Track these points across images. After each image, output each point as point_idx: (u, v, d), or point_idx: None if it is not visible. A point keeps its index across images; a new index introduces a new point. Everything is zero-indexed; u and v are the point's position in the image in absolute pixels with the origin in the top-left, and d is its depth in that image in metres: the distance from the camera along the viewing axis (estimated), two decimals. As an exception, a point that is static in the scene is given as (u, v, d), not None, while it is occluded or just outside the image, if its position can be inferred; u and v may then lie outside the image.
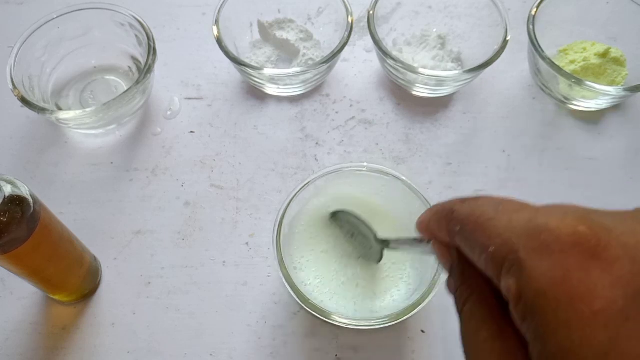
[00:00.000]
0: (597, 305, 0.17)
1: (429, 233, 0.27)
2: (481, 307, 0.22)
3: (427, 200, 0.45)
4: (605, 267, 0.18)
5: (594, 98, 0.56)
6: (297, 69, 0.55)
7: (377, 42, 0.55)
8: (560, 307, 0.18)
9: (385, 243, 0.42)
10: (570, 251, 0.18)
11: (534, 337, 0.19)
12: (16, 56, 0.53)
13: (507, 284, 0.20)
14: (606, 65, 0.57)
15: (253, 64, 0.58)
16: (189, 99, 0.61)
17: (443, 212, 0.25)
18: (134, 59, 0.60)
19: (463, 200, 0.24)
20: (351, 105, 0.60)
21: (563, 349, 0.17)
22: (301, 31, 0.62)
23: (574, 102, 0.58)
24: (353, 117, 0.59)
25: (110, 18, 0.57)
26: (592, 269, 0.18)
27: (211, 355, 0.47)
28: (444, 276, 0.42)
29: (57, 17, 0.56)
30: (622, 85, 0.57)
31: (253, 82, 0.59)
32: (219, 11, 0.57)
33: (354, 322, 0.41)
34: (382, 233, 0.44)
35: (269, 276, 0.50)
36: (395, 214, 0.48)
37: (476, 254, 0.22)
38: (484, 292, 0.23)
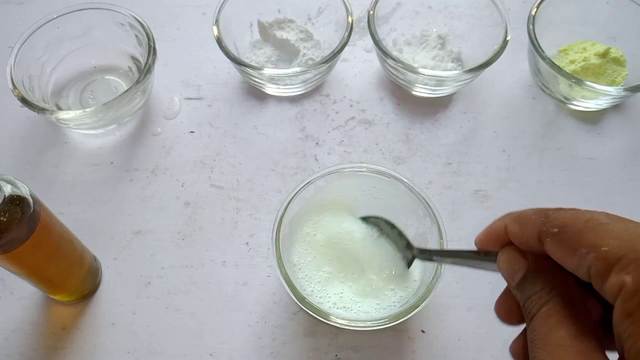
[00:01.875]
0: None
1: (501, 240, 0.26)
2: (561, 309, 0.22)
3: (426, 201, 0.45)
4: None
5: (594, 98, 0.56)
6: (297, 69, 0.55)
7: (377, 42, 0.55)
8: None
9: (425, 253, 0.40)
10: None
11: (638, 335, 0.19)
12: (16, 56, 0.53)
13: (620, 280, 0.20)
14: (606, 65, 0.57)
15: (253, 64, 0.58)
16: (189, 99, 0.61)
17: (531, 216, 0.25)
18: (134, 59, 0.60)
19: (556, 209, 0.24)
20: (351, 105, 0.60)
21: None
22: (301, 31, 0.62)
23: (574, 102, 0.58)
24: (353, 117, 0.59)
25: (110, 18, 0.57)
26: None
27: (211, 355, 0.47)
28: (444, 276, 0.42)
29: (57, 17, 0.56)
30: (622, 85, 0.57)
31: (253, 82, 0.59)
32: (219, 11, 0.57)
33: (352, 323, 0.41)
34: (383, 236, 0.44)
35: (269, 276, 0.50)
36: (396, 214, 0.48)
37: (578, 255, 0.22)
38: (565, 295, 0.23)
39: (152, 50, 0.55)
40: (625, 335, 0.19)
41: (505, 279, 0.26)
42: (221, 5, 0.57)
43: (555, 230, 0.23)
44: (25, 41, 0.54)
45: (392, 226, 0.44)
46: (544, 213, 0.24)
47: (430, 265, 0.43)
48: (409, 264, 0.43)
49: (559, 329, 0.22)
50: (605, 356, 0.21)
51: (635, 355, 0.19)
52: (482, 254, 0.28)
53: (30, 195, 0.37)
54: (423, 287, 0.42)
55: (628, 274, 0.20)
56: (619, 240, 0.20)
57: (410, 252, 0.43)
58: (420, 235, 0.46)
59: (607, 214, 0.22)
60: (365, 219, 0.47)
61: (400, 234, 0.44)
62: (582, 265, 0.22)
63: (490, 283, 0.49)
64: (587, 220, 0.22)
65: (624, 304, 0.20)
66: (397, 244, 0.44)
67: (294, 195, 0.45)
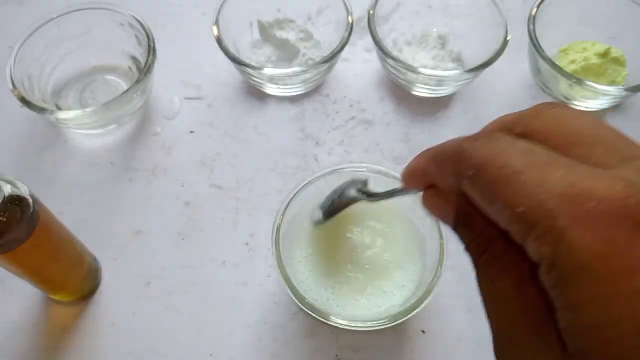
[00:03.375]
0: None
1: (422, 180, 0.25)
2: (500, 258, 0.21)
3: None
4: None
5: (595, 98, 0.55)
6: (297, 69, 0.55)
7: (377, 42, 0.55)
8: (600, 282, 0.17)
9: (370, 196, 0.39)
10: (618, 225, 0.17)
11: (565, 306, 0.18)
12: (16, 56, 0.53)
13: (538, 250, 0.18)
14: (606, 65, 0.57)
15: (253, 63, 0.58)
16: (189, 99, 0.61)
17: (448, 153, 0.23)
18: (134, 58, 0.60)
19: (474, 138, 0.22)
20: (351, 105, 0.60)
21: (599, 323, 0.17)
22: (301, 31, 0.61)
23: (575, 102, 0.58)
24: (353, 117, 0.59)
25: (110, 18, 0.57)
26: (638, 245, 0.17)
27: (211, 355, 0.47)
28: (443, 276, 0.42)
29: (57, 17, 0.56)
30: (622, 85, 0.57)
31: (253, 82, 0.59)
32: (219, 11, 0.57)
33: (352, 323, 0.41)
34: (384, 233, 0.44)
35: (269, 276, 0.50)
36: (396, 214, 0.47)
37: (495, 209, 0.20)
38: (501, 243, 0.21)
39: (152, 50, 0.55)
40: (556, 303, 0.18)
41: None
42: (221, 5, 0.57)
43: (471, 172, 0.21)
44: (25, 41, 0.54)
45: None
46: (459, 148, 0.22)
47: (430, 265, 0.43)
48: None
49: (499, 280, 0.20)
50: (545, 304, 0.19)
51: (563, 329, 0.18)
52: (412, 192, 0.27)
53: (30, 195, 0.37)
54: (423, 287, 0.42)
55: (544, 244, 0.18)
56: (535, 200, 0.18)
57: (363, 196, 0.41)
58: (420, 235, 0.46)
59: (524, 155, 0.20)
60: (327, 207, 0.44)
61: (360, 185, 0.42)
62: (499, 220, 0.20)
63: (490, 283, 0.49)
64: (501, 166, 0.20)
65: (547, 276, 0.18)
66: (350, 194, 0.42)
67: (294, 195, 0.45)
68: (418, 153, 0.25)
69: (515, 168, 0.19)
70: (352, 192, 0.40)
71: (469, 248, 0.23)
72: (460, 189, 0.22)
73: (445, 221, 0.24)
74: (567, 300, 0.18)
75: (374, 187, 0.41)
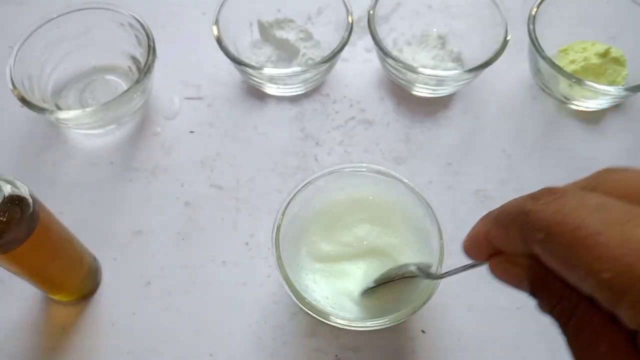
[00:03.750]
0: None
1: (486, 248, 0.23)
2: (590, 321, 0.19)
3: (426, 201, 0.45)
4: None
5: (595, 98, 0.55)
6: (297, 69, 0.55)
7: (377, 42, 0.55)
8: None
9: (432, 275, 0.39)
10: None
11: None
12: (16, 56, 0.53)
13: (634, 318, 0.17)
14: (606, 65, 0.57)
15: (253, 63, 0.58)
16: (189, 99, 0.61)
17: (511, 215, 0.21)
18: (134, 59, 0.60)
19: (536, 198, 0.20)
20: (351, 105, 0.60)
21: None
22: (301, 31, 0.61)
23: (575, 102, 0.58)
24: (353, 117, 0.59)
25: (110, 18, 0.57)
26: None
27: (211, 355, 0.47)
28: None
29: (56, 17, 0.56)
30: (622, 85, 0.57)
31: (253, 82, 0.59)
32: (219, 11, 0.57)
33: (352, 323, 0.41)
34: (385, 234, 0.44)
35: (269, 276, 0.50)
36: (396, 214, 0.47)
37: (576, 275, 0.18)
38: (588, 305, 0.19)
39: (151, 50, 0.55)
40: None
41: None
42: (221, 5, 0.57)
43: (541, 236, 0.19)
44: (25, 41, 0.54)
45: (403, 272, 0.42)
46: (523, 210, 0.20)
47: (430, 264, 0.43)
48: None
49: (600, 343, 0.19)
50: None
51: None
52: (478, 264, 0.26)
53: (30, 195, 0.37)
54: (423, 287, 0.42)
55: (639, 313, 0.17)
56: (621, 265, 0.17)
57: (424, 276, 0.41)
58: (425, 231, 0.46)
59: (598, 211, 0.18)
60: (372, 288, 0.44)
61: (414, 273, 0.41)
62: (582, 287, 0.19)
63: (490, 283, 0.48)
64: (575, 227, 0.18)
65: None
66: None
67: (294, 195, 0.45)
68: (479, 219, 0.23)
69: (592, 229, 0.18)
70: (412, 268, 0.40)
71: (553, 314, 0.21)
72: (531, 252, 0.21)
73: (520, 288, 0.23)
74: None
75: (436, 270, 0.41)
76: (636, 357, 0.18)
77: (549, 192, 0.20)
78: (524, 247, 0.21)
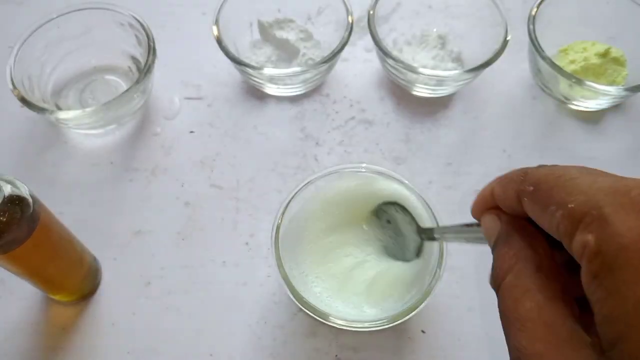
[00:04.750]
0: None
1: (489, 203, 0.26)
2: (525, 277, 0.21)
3: (426, 201, 0.45)
4: None
5: (594, 98, 0.55)
6: (297, 69, 0.55)
7: (377, 42, 0.55)
8: None
9: (427, 232, 0.41)
10: None
11: (607, 294, 0.18)
12: (16, 56, 0.53)
13: (583, 240, 0.19)
14: (606, 65, 0.57)
15: (253, 63, 0.58)
16: (189, 99, 0.61)
17: (512, 175, 0.24)
18: (134, 58, 0.60)
19: (538, 166, 0.24)
20: (351, 105, 0.60)
21: None
22: (301, 31, 0.61)
23: (574, 102, 0.58)
24: (353, 117, 0.59)
25: (110, 18, 0.57)
26: None
27: (211, 355, 0.47)
28: (443, 276, 0.42)
29: (57, 17, 0.56)
30: (622, 85, 0.57)
31: (253, 82, 0.59)
32: (219, 11, 0.57)
33: (352, 323, 0.41)
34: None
35: (269, 276, 0.50)
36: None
37: (549, 213, 0.21)
38: (532, 258, 0.22)
39: (151, 50, 0.55)
40: (593, 299, 0.18)
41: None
42: (221, 5, 0.57)
43: (531, 188, 0.22)
44: (25, 41, 0.54)
45: (404, 211, 0.44)
46: (523, 171, 0.24)
47: (430, 265, 0.43)
48: (418, 249, 0.43)
49: (524, 300, 0.21)
50: (575, 323, 0.20)
51: (600, 321, 0.18)
52: (475, 225, 0.28)
53: (30, 195, 0.37)
54: (423, 287, 0.42)
55: (590, 232, 0.19)
56: (585, 196, 0.20)
57: (418, 237, 0.43)
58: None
59: (581, 167, 0.21)
60: (377, 209, 0.46)
61: (411, 221, 0.44)
62: (553, 224, 0.21)
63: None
64: (559, 175, 0.21)
65: (589, 266, 0.19)
66: (407, 232, 0.44)
67: (294, 195, 0.45)
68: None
69: (571, 175, 0.21)
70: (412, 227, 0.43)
71: (495, 265, 0.23)
72: (520, 210, 0.23)
73: (490, 241, 0.25)
74: (609, 286, 0.18)
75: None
76: (560, 310, 0.20)
77: (549, 165, 0.23)
78: (517, 203, 0.23)
